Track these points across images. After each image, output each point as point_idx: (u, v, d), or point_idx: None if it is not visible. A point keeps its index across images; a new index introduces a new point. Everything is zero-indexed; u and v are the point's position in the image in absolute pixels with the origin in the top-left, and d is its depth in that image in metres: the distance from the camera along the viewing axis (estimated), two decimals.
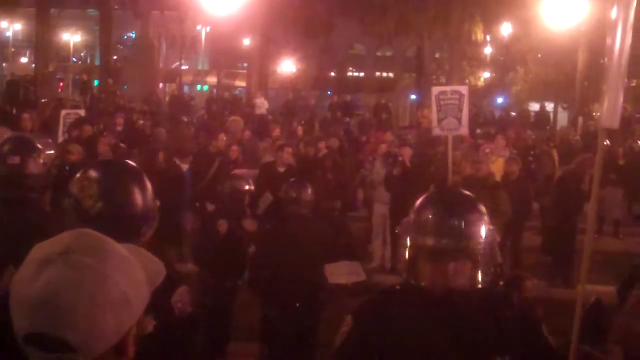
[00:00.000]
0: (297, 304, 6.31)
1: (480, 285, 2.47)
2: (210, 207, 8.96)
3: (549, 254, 11.16)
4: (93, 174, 2.60)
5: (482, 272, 2.48)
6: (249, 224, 8.56)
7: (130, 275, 1.56)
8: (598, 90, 2.94)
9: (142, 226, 2.56)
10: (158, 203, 2.69)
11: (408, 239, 2.54)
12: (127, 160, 3.01)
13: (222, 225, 6.87)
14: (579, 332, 2.34)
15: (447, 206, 2.56)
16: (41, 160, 4.18)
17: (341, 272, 9.55)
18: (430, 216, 2.50)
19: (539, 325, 2.47)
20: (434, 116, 9.96)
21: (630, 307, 5.60)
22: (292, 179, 7.36)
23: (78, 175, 2.63)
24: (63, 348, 1.46)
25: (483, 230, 2.49)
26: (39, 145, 4.27)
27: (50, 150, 8.60)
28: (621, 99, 3.13)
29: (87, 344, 1.47)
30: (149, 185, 2.65)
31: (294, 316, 6.30)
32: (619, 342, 4.41)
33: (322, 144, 12.63)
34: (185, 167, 11.24)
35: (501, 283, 5.89)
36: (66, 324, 1.45)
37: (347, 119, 23.64)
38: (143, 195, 2.59)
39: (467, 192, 2.74)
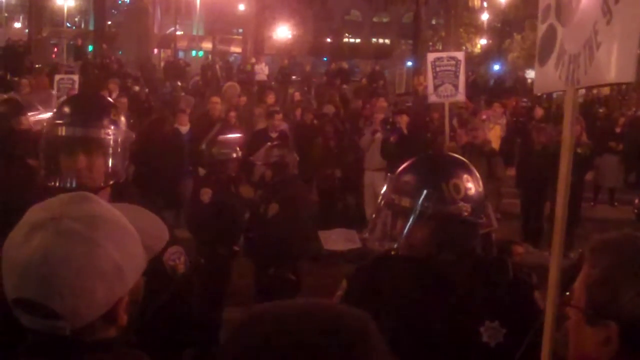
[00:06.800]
0: (290, 263, 6.42)
1: (465, 248, 2.45)
2: (201, 172, 8.92)
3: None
4: None
5: (467, 235, 2.45)
6: (245, 191, 8.55)
7: (123, 244, 1.51)
8: None
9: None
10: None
11: (390, 200, 2.51)
12: None
13: (205, 194, 6.78)
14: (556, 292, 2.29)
15: (431, 168, 2.53)
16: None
17: (337, 239, 9.62)
18: (412, 178, 2.47)
19: (531, 292, 2.46)
20: (429, 83, 9.87)
21: None
22: (269, 143, 7.38)
23: None
24: (50, 315, 1.44)
25: (469, 192, 2.44)
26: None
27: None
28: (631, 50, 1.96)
29: (74, 313, 1.45)
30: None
31: (288, 276, 6.39)
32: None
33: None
34: (184, 129, 11.24)
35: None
36: (53, 292, 1.43)
37: (345, 86, 23.41)
38: None
39: (456, 155, 2.70)
